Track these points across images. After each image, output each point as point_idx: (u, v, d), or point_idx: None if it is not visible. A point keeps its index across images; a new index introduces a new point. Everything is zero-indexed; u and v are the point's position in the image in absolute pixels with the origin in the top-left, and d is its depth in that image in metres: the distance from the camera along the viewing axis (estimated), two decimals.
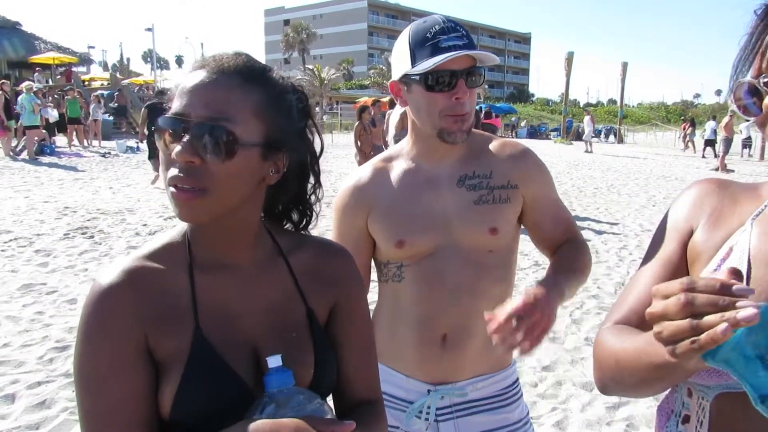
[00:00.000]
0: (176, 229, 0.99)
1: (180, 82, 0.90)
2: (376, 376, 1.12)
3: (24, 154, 14.64)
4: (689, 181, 14.05)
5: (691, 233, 0.94)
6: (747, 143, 22.76)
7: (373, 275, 1.59)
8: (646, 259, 0.98)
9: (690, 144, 25.90)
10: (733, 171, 16.04)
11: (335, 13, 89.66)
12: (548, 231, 1.55)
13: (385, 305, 1.55)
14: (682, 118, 27.86)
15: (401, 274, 1.48)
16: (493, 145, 1.52)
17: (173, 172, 0.84)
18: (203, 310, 0.91)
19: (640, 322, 0.87)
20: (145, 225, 7.73)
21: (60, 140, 17.41)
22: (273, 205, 1.06)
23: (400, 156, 1.54)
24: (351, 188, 1.53)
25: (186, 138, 0.83)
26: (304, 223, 1.09)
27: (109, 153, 16.34)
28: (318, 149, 1.04)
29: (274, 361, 0.89)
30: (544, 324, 1.26)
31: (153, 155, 10.30)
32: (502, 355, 1.51)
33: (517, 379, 1.59)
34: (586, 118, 24.92)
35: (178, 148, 0.83)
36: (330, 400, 1.05)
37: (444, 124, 1.38)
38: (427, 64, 1.34)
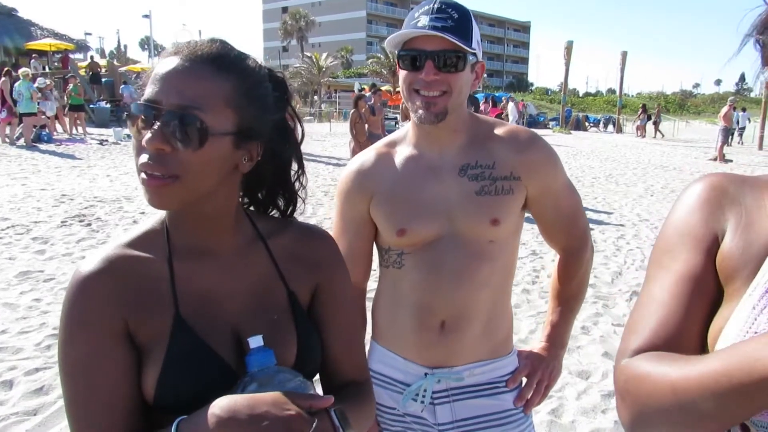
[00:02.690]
0: (155, 217, 1.00)
1: (154, 67, 0.90)
2: (363, 357, 1.15)
3: (21, 141, 14.58)
4: (687, 170, 14.13)
5: (716, 241, 0.80)
6: (740, 132, 22.99)
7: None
8: (658, 272, 0.83)
9: (643, 130, 27.81)
10: (731, 161, 16.06)
11: (334, 1, 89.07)
12: (551, 223, 1.55)
13: (386, 290, 1.57)
14: (641, 107, 28.93)
15: (401, 261, 1.48)
16: (498, 133, 1.49)
17: (144, 158, 0.85)
18: (183, 296, 0.93)
19: (669, 347, 0.75)
20: (142, 213, 7.72)
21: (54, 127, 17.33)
22: (255, 192, 1.08)
23: (402, 142, 1.53)
24: (354, 173, 1.52)
25: (156, 125, 0.83)
26: (290, 209, 1.10)
27: (107, 140, 16.28)
28: (299, 136, 1.04)
29: (255, 342, 0.91)
30: (548, 381, 1.56)
31: None
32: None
33: (517, 367, 1.60)
34: (510, 105, 21.42)
35: (148, 135, 0.84)
36: (319, 383, 1.06)
37: (412, 104, 1.38)
38: (389, 40, 1.37)
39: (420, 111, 1.37)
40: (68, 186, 9.55)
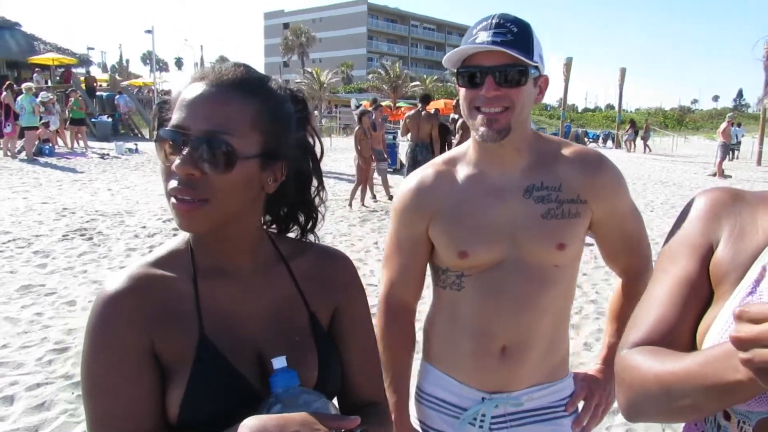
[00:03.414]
0: (180, 236, 1.01)
1: (180, 92, 0.92)
2: (380, 378, 1.15)
3: (23, 155, 14.62)
4: (686, 186, 14.15)
5: (710, 249, 0.90)
6: (734, 147, 23.28)
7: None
8: (660, 275, 0.94)
9: (632, 144, 28.67)
10: (730, 176, 16.09)
11: (335, 17, 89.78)
12: (615, 246, 1.51)
13: (442, 312, 1.51)
14: (626, 121, 29.73)
15: (461, 284, 1.43)
16: (565, 154, 1.43)
17: (173, 183, 0.86)
18: (207, 315, 0.93)
19: (663, 342, 0.85)
20: (144, 227, 7.72)
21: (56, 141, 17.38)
22: (276, 210, 1.08)
23: (462, 160, 1.47)
24: (413, 190, 1.46)
25: (186, 150, 0.85)
26: (310, 225, 1.11)
27: (108, 154, 16.33)
28: (318, 153, 1.06)
29: (279, 362, 0.91)
30: (605, 404, 1.54)
31: None
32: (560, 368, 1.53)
33: (573, 391, 1.55)
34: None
35: (177, 160, 0.85)
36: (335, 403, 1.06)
37: (473, 122, 1.34)
38: (447, 58, 1.33)
39: (481, 128, 1.32)
40: (69, 200, 9.56)
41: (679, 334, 0.86)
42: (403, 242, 1.49)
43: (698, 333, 0.86)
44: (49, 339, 4.09)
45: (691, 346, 0.86)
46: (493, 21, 1.29)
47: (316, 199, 1.10)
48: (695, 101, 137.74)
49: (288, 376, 0.90)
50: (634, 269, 1.53)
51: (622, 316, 1.53)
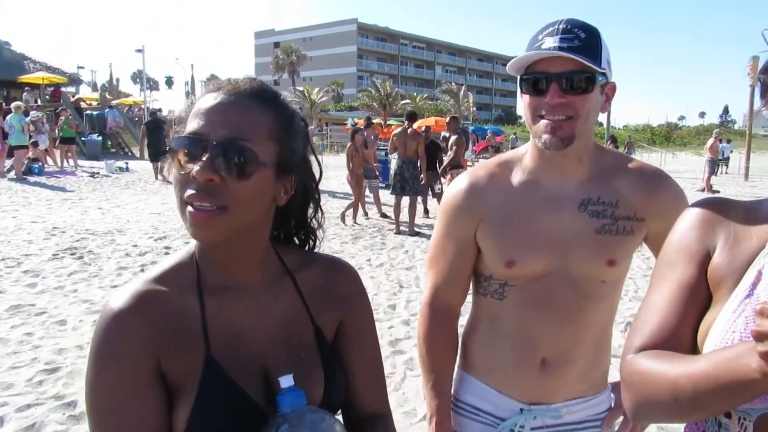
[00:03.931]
0: (184, 250, 1.00)
1: (193, 104, 0.91)
2: (384, 390, 1.14)
3: (12, 174, 14.53)
4: None
5: (708, 256, 0.93)
6: (723, 162, 23.81)
7: None
8: (659, 282, 0.97)
9: None
10: (718, 192, 16.25)
11: (325, 36, 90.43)
12: None
13: (483, 320, 1.48)
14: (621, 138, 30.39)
15: (503, 293, 1.40)
16: (625, 168, 1.39)
17: (190, 191, 0.84)
18: (213, 333, 0.92)
19: (666, 345, 0.88)
20: (135, 246, 7.67)
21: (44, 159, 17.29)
22: (279, 229, 1.08)
23: (518, 164, 1.41)
24: (464, 192, 1.42)
25: (206, 156, 0.84)
26: (307, 247, 1.11)
27: (98, 173, 16.26)
28: (317, 175, 1.07)
29: (286, 381, 0.90)
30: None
31: (154, 158, 15.16)
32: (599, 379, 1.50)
33: (611, 405, 1.53)
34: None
35: (197, 167, 0.83)
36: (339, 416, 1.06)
37: (537, 129, 1.28)
38: (512, 64, 1.28)
39: (545, 136, 1.26)
40: (59, 219, 9.49)
41: (681, 337, 0.90)
42: (450, 243, 1.44)
43: (699, 335, 0.90)
44: (40, 359, 4.03)
45: (692, 348, 0.90)
46: (560, 26, 1.25)
47: (314, 222, 1.10)
48: (682, 118, 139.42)
49: (295, 395, 0.90)
50: None
51: None
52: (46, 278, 6.04)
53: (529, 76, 1.27)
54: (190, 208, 0.85)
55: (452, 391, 1.55)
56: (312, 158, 1.05)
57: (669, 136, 72.10)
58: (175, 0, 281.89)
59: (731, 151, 27.70)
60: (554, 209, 1.36)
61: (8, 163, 14.86)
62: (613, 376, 1.39)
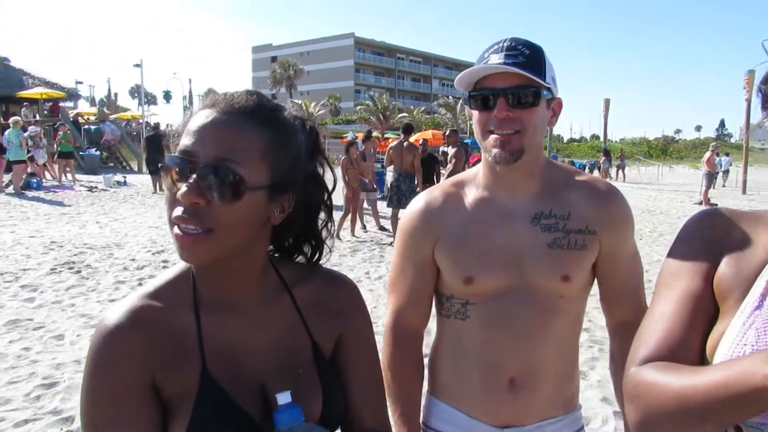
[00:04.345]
0: (181, 265, 0.98)
1: (188, 119, 0.89)
2: (384, 407, 1.12)
3: (10, 189, 14.52)
4: (674, 214, 14.29)
5: (713, 267, 0.92)
6: (724, 175, 24.06)
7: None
8: (664, 292, 0.95)
9: (606, 173, 29.68)
10: (716, 205, 16.28)
11: (322, 50, 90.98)
12: (616, 289, 1.45)
13: (447, 343, 1.47)
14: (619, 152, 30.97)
15: (466, 312, 1.40)
16: (576, 183, 1.41)
17: (178, 212, 0.83)
18: (209, 349, 0.91)
19: (672, 357, 0.86)
20: (133, 260, 7.65)
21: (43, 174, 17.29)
22: (281, 240, 1.06)
23: (471, 183, 1.44)
24: (419, 212, 1.44)
25: (192, 178, 0.82)
26: (316, 256, 1.09)
27: (96, 187, 16.26)
28: (330, 185, 1.04)
29: (283, 398, 0.89)
30: None
31: (154, 171, 15.59)
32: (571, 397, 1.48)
33: (583, 425, 1.52)
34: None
35: (183, 189, 0.82)
36: None
37: (486, 144, 1.31)
38: (459, 79, 1.32)
39: (494, 150, 1.29)
40: (57, 233, 9.47)
41: (687, 349, 0.88)
42: (409, 265, 1.45)
43: (708, 348, 0.88)
44: (37, 374, 4.01)
45: (699, 360, 0.88)
46: (505, 44, 1.29)
47: (323, 232, 1.07)
48: (678, 131, 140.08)
49: (293, 412, 0.88)
50: (630, 322, 1.40)
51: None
52: (44, 293, 6.02)
53: (477, 92, 1.31)
54: (177, 230, 0.84)
55: (421, 419, 1.53)
56: (325, 169, 1.03)
57: (665, 149, 72.43)
58: (173, 15, 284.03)
59: (730, 164, 27.85)
60: (508, 224, 1.37)
61: (6, 177, 14.86)
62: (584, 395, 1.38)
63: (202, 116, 0.87)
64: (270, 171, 0.88)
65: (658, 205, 16.79)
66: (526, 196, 1.38)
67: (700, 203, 16.72)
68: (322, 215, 1.07)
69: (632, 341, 1.46)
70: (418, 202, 1.46)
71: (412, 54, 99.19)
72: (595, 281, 1.46)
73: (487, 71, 1.28)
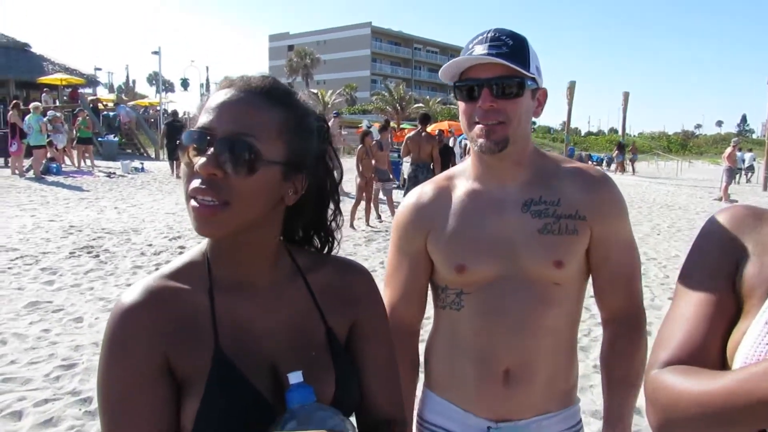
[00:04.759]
0: (197, 248, 1.00)
1: (206, 100, 0.91)
2: (399, 395, 1.12)
3: (30, 173, 14.72)
4: (692, 210, 14.14)
5: (735, 265, 0.90)
6: (747, 171, 23.71)
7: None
8: (684, 294, 0.94)
9: (621, 166, 29.94)
10: (736, 201, 16.08)
11: (339, 40, 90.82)
12: (608, 278, 1.42)
13: (442, 334, 1.47)
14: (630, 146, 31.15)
15: (460, 302, 1.40)
16: (566, 170, 1.41)
17: (195, 183, 0.85)
18: (223, 329, 0.92)
19: (693, 360, 0.85)
20: (150, 245, 7.74)
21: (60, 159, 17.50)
22: (292, 230, 1.07)
23: (462, 175, 1.46)
24: (411, 206, 1.46)
25: (210, 151, 0.84)
26: (326, 249, 1.10)
27: (114, 173, 16.43)
28: (337, 176, 1.05)
29: (295, 377, 0.89)
30: None
31: (173, 157, 15.99)
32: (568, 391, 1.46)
33: (581, 419, 1.49)
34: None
35: (201, 160, 0.84)
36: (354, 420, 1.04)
37: (473, 135, 1.33)
38: (444, 71, 1.33)
39: (480, 140, 1.31)
40: (76, 218, 9.60)
41: (708, 351, 0.87)
42: (403, 259, 1.47)
43: (728, 348, 0.86)
44: (57, 355, 4.08)
45: (721, 362, 0.87)
46: (489, 35, 1.30)
47: (333, 224, 1.08)
48: (699, 126, 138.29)
49: (304, 392, 0.89)
50: (625, 315, 1.44)
51: (618, 374, 1.44)
52: (63, 276, 6.11)
53: (462, 83, 1.33)
54: (193, 202, 0.85)
55: (416, 412, 1.53)
56: (333, 160, 1.04)
57: (685, 144, 71.46)
58: (191, 3, 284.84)
59: (754, 160, 27.45)
60: (498, 212, 1.38)
61: (26, 162, 15.05)
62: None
63: (220, 95, 0.89)
64: (285, 148, 0.90)
65: (677, 200, 16.61)
66: (515, 185, 1.39)
67: (720, 199, 16.51)
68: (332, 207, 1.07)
69: (623, 336, 1.47)
70: (410, 197, 1.48)
71: (429, 44, 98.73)
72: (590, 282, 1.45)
73: (471, 62, 1.30)
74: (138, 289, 0.92)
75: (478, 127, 1.31)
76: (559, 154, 1.53)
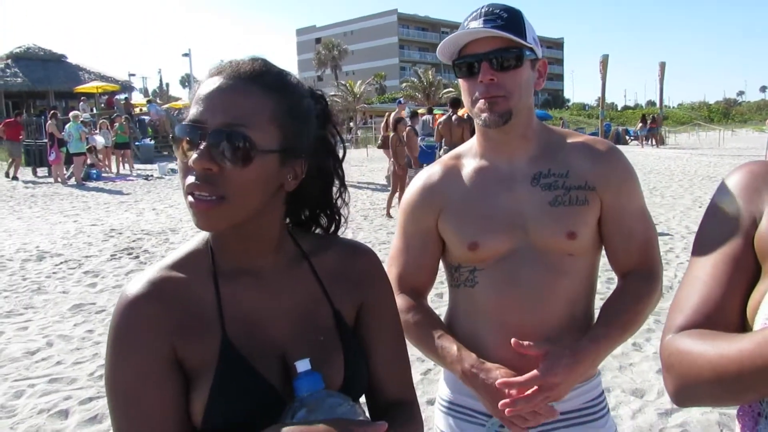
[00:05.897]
0: (199, 237, 0.99)
1: (197, 88, 0.89)
2: (409, 376, 1.11)
3: (72, 180, 15.18)
4: None
5: (754, 224, 0.86)
6: None
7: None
8: (700, 255, 0.90)
9: (643, 139, 29.57)
10: None
11: (366, 29, 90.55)
12: (619, 247, 1.39)
13: (459, 313, 1.46)
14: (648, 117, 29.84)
15: (474, 279, 1.39)
16: (573, 142, 1.41)
17: (190, 179, 0.83)
18: (229, 318, 0.91)
19: (710, 323, 0.82)
20: None
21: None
22: (298, 211, 1.06)
23: (468, 153, 1.46)
24: (420, 188, 1.45)
25: (203, 145, 0.82)
26: (333, 227, 1.09)
27: (152, 176, 16.80)
28: (341, 153, 1.03)
29: (302, 365, 0.89)
30: (551, 394, 1.22)
31: None
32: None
33: (603, 391, 1.47)
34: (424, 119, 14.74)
35: (194, 155, 0.82)
36: (364, 403, 1.04)
37: (476, 110, 1.33)
38: (441, 49, 1.33)
39: (484, 114, 1.31)
40: (117, 221, 9.86)
41: (727, 313, 0.83)
42: (412, 239, 1.45)
43: (749, 309, 0.82)
44: (100, 355, 4.19)
45: (740, 324, 0.83)
46: (483, 10, 1.30)
47: (339, 201, 1.06)
48: (741, 93, 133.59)
49: (312, 379, 0.88)
50: (639, 273, 1.38)
51: (615, 307, 1.35)
52: (105, 278, 6.29)
53: (461, 60, 1.33)
54: (190, 198, 0.84)
55: (438, 392, 1.52)
56: (336, 139, 1.03)
57: (727, 112, 69.16)
58: (219, 3, 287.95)
59: None
60: (508, 187, 1.37)
61: (68, 170, 15.53)
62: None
63: (209, 84, 0.87)
64: (280, 135, 0.88)
65: (719, 171, 16.06)
66: (523, 159, 1.39)
67: None
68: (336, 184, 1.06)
69: (637, 280, 1.38)
70: (418, 179, 1.48)
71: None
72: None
73: (467, 37, 1.30)
74: (141, 281, 0.91)
75: (481, 101, 1.31)
76: (566, 129, 1.51)
